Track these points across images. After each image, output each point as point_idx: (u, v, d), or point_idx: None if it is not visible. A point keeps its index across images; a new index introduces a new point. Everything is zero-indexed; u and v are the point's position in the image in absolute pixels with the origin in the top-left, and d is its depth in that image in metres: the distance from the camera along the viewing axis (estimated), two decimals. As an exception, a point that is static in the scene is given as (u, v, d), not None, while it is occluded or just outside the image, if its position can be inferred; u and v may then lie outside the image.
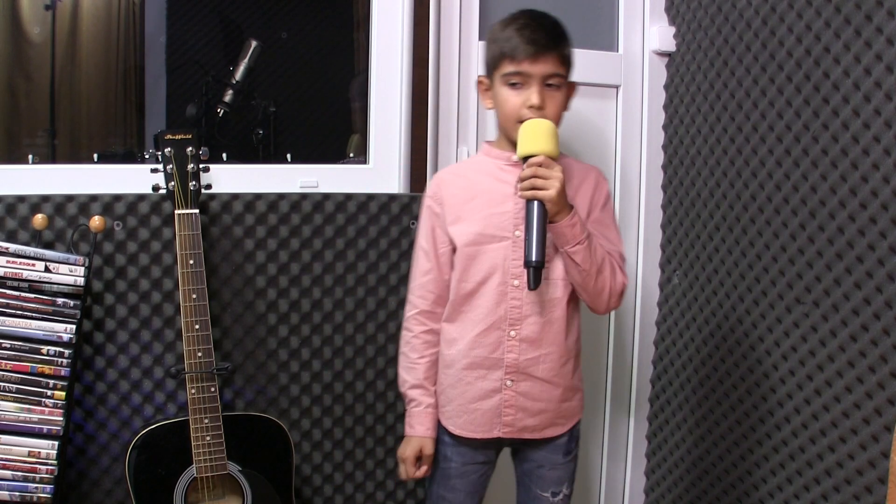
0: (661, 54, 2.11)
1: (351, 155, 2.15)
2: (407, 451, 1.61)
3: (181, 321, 1.60)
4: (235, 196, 1.81)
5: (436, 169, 1.97)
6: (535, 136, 1.44)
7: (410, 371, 1.62)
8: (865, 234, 1.50)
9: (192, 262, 1.60)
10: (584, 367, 2.23)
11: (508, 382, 1.55)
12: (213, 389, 1.61)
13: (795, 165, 1.66)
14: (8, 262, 1.53)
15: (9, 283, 1.53)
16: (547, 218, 1.43)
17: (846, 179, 1.54)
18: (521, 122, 1.48)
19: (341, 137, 2.30)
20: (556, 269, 1.52)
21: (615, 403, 2.22)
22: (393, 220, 1.92)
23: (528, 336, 1.54)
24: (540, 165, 1.42)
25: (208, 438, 1.61)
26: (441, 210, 1.59)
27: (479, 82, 1.60)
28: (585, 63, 2.06)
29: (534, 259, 1.40)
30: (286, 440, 1.72)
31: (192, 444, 1.60)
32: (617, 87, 2.12)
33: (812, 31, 1.61)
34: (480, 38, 1.99)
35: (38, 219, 1.61)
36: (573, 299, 1.56)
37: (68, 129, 2.29)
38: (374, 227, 1.91)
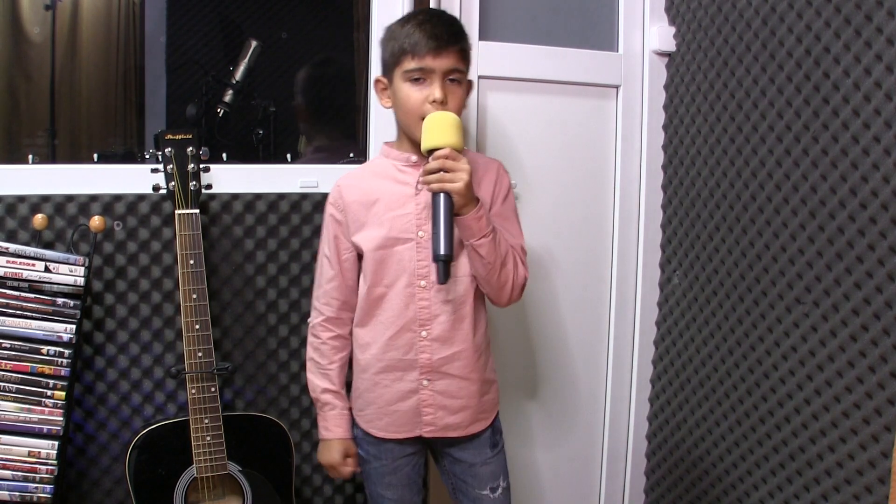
0: (661, 54, 2.11)
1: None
2: (333, 454, 1.60)
3: (181, 321, 1.60)
4: (235, 196, 1.81)
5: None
6: (441, 128, 1.42)
7: (322, 377, 1.62)
8: (865, 234, 1.50)
9: (192, 262, 1.59)
10: (585, 367, 2.23)
11: (425, 382, 1.55)
12: (213, 389, 1.61)
13: (795, 165, 1.66)
14: (8, 262, 1.53)
15: (9, 283, 1.53)
16: (454, 211, 1.42)
17: (846, 179, 1.54)
18: (423, 118, 1.47)
19: (341, 137, 2.30)
20: (462, 266, 1.53)
21: (615, 403, 2.22)
22: (393, 220, 1.91)
23: (439, 335, 1.54)
24: (447, 158, 1.41)
25: (208, 438, 1.61)
26: (343, 217, 1.58)
27: (377, 82, 1.57)
28: (585, 63, 2.08)
29: (442, 252, 1.39)
30: (286, 440, 1.72)
31: (193, 444, 1.60)
32: (617, 87, 2.12)
33: (812, 31, 1.61)
34: (480, 38, 1.99)
35: (38, 219, 1.61)
36: (479, 294, 1.57)
37: (68, 129, 2.28)
38: (374, 227, 1.91)
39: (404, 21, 1.52)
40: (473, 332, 1.56)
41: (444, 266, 1.40)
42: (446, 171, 1.40)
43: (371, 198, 1.56)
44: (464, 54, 1.51)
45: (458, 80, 1.50)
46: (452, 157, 1.41)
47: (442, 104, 1.46)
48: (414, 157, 1.54)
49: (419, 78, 1.48)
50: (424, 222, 1.51)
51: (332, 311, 1.61)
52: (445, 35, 1.47)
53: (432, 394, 1.56)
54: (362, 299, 1.57)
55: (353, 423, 1.63)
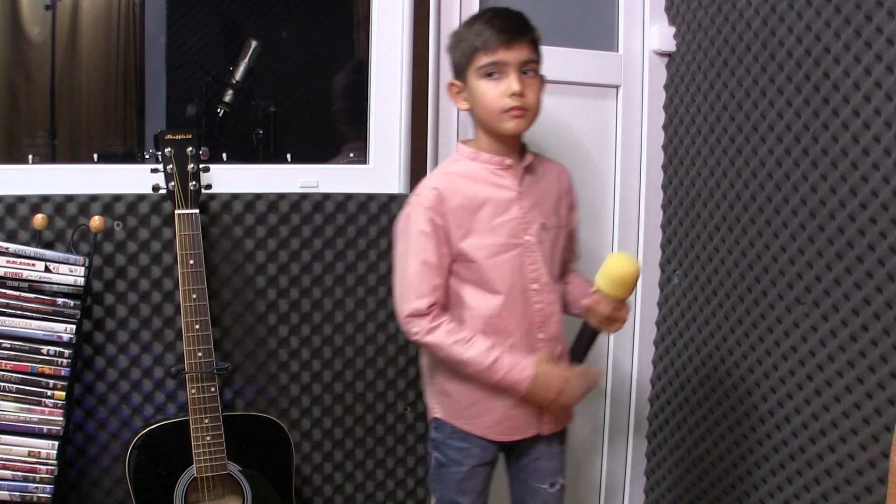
0: (661, 54, 2.11)
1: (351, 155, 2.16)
2: (557, 374, 1.51)
3: (181, 321, 1.60)
4: (235, 196, 1.81)
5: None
6: (622, 283, 1.48)
7: (474, 343, 1.49)
8: (865, 234, 1.50)
9: (192, 262, 1.59)
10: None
11: None
12: (213, 389, 1.61)
13: (795, 165, 1.66)
14: (8, 262, 1.53)
15: (9, 283, 1.53)
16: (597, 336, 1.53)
17: (846, 179, 1.54)
18: (505, 112, 1.49)
19: (341, 137, 2.30)
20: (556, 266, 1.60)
21: (615, 403, 2.22)
22: (393, 220, 1.91)
23: (554, 334, 1.58)
24: (621, 310, 1.50)
25: (208, 438, 1.61)
26: (444, 223, 1.51)
27: (451, 85, 1.58)
28: (585, 63, 2.08)
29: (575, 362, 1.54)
30: (286, 440, 1.72)
31: (192, 444, 1.60)
32: (617, 87, 2.12)
33: (812, 31, 1.61)
34: (480, 38, 1.99)
35: (38, 219, 1.61)
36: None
37: (68, 129, 2.28)
38: (374, 227, 1.91)
39: (470, 22, 1.53)
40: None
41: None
42: (615, 320, 1.51)
43: (475, 203, 1.52)
44: (535, 46, 1.52)
45: (533, 72, 1.51)
46: (623, 308, 1.52)
47: (521, 96, 1.48)
48: (508, 161, 1.54)
49: (494, 73, 1.49)
50: (529, 225, 1.54)
51: (438, 309, 1.52)
52: (515, 27, 1.49)
53: None
54: (477, 308, 1.53)
55: (443, 424, 1.60)
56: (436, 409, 1.63)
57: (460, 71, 1.54)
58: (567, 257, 1.68)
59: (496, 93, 1.49)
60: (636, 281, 1.49)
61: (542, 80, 1.55)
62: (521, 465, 1.65)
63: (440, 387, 1.61)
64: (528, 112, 1.51)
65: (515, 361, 1.50)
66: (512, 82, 1.47)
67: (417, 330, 1.51)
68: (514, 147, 1.57)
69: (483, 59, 1.48)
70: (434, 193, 1.52)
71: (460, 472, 1.59)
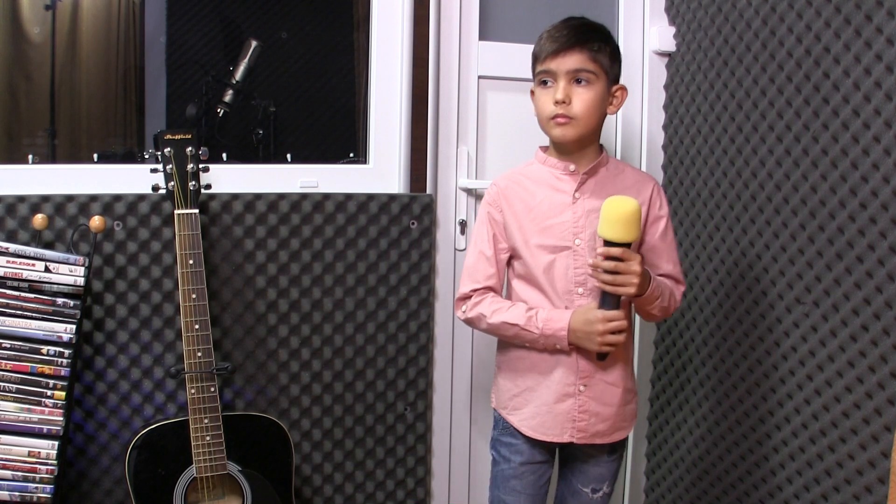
0: (661, 54, 2.11)
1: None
2: (590, 316, 1.48)
3: (181, 321, 1.60)
4: (235, 196, 1.81)
5: (436, 169, 1.97)
6: (617, 220, 1.43)
7: (514, 306, 1.56)
8: (865, 234, 1.50)
9: (192, 262, 1.60)
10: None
11: (581, 388, 1.56)
12: (213, 389, 1.61)
13: (795, 165, 1.66)
14: (8, 262, 1.53)
15: (9, 283, 1.53)
16: (618, 302, 1.48)
17: (846, 179, 1.54)
18: (551, 119, 1.52)
19: (341, 137, 2.30)
20: None
21: (615, 403, 2.22)
22: (393, 220, 1.92)
23: None
24: (620, 260, 1.44)
25: (208, 438, 1.61)
26: (501, 217, 1.60)
27: (532, 92, 1.61)
28: (585, 63, 2.07)
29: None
30: (286, 440, 1.72)
31: (192, 444, 1.60)
32: (617, 87, 2.12)
33: (812, 31, 1.61)
34: (481, 38, 1.99)
35: (38, 219, 1.61)
36: (628, 303, 1.58)
37: (68, 129, 2.29)
38: (374, 227, 1.91)
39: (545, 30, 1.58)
40: (627, 339, 1.56)
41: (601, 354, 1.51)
42: (619, 275, 1.44)
43: (530, 203, 1.58)
44: (592, 55, 1.51)
45: (587, 81, 1.51)
46: (626, 258, 1.44)
47: (565, 104, 1.50)
48: (572, 167, 1.57)
49: (546, 80, 1.53)
50: (581, 230, 1.54)
51: (486, 291, 1.60)
52: (565, 37, 1.51)
53: (587, 399, 1.56)
54: (525, 302, 1.58)
55: (498, 419, 1.66)
56: (492, 399, 1.69)
57: (533, 77, 1.59)
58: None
59: (545, 100, 1.53)
60: (632, 216, 1.42)
61: (606, 88, 1.53)
62: (569, 463, 1.68)
63: (496, 377, 1.68)
64: (574, 120, 1.51)
65: (552, 315, 1.53)
66: (557, 90, 1.51)
67: (464, 309, 1.62)
68: (580, 153, 1.57)
69: (538, 67, 1.55)
70: (495, 190, 1.62)
71: (509, 470, 1.64)
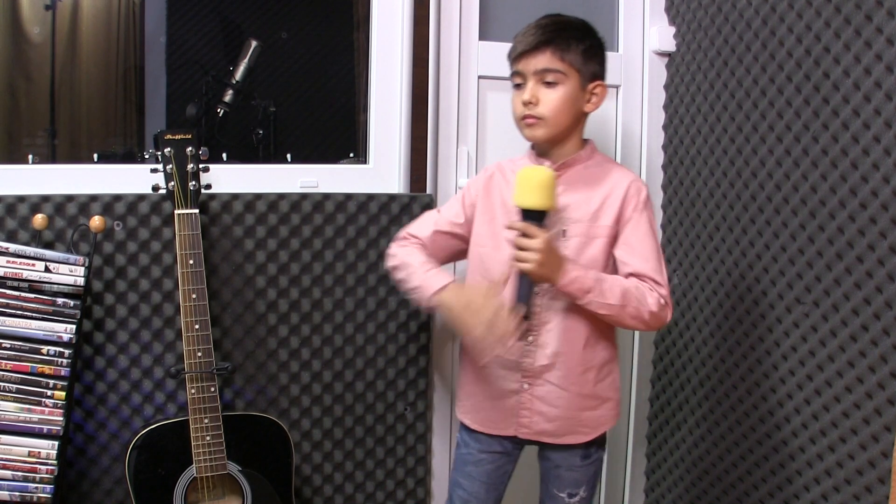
0: (661, 54, 2.11)
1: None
2: (471, 295, 1.47)
3: (181, 321, 1.60)
4: (235, 196, 1.81)
5: (436, 169, 1.97)
6: (527, 187, 1.41)
7: (423, 261, 1.60)
8: (865, 234, 1.50)
9: (192, 262, 1.60)
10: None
11: (525, 385, 1.56)
12: (213, 389, 1.61)
13: (795, 165, 1.66)
14: (8, 262, 1.53)
15: (9, 283, 1.53)
16: (532, 283, 1.44)
17: (846, 179, 1.54)
18: (522, 119, 1.52)
19: (341, 137, 2.30)
20: None
21: (615, 403, 2.22)
22: (393, 220, 1.91)
23: (545, 342, 1.54)
24: (521, 234, 1.41)
25: (208, 438, 1.61)
26: (473, 199, 1.63)
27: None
28: (585, 63, 2.07)
29: (516, 309, 1.43)
30: (286, 440, 1.72)
31: (192, 444, 1.60)
32: (617, 87, 2.12)
33: (812, 31, 1.61)
34: (481, 38, 1.99)
35: (38, 219, 1.61)
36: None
37: (68, 129, 2.29)
38: (374, 227, 1.91)
39: None
40: (584, 345, 1.54)
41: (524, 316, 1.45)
42: (520, 248, 1.42)
43: (503, 195, 1.59)
44: (560, 55, 1.49)
45: (556, 81, 1.50)
46: (528, 234, 1.41)
47: (532, 105, 1.50)
48: (547, 163, 1.57)
49: (518, 82, 1.54)
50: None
51: (421, 242, 1.65)
52: (533, 37, 1.50)
53: (531, 398, 1.57)
54: None
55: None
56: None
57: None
58: (611, 271, 1.57)
59: (517, 101, 1.54)
60: (538, 183, 1.39)
61: (572, 89, 1.51)
62: (544, 467, 1.68)
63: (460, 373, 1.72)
64: (542, 121, 1.51)
65: (439, 275, 1.55)
66: (524, 91, 1.51)
67: (392, 246, 1.69)
68: (557, 151, 1.57)
69: (511, 68, 1.56)
70: (483, 177, 1.67)
71: (468, 455, 1.66)
